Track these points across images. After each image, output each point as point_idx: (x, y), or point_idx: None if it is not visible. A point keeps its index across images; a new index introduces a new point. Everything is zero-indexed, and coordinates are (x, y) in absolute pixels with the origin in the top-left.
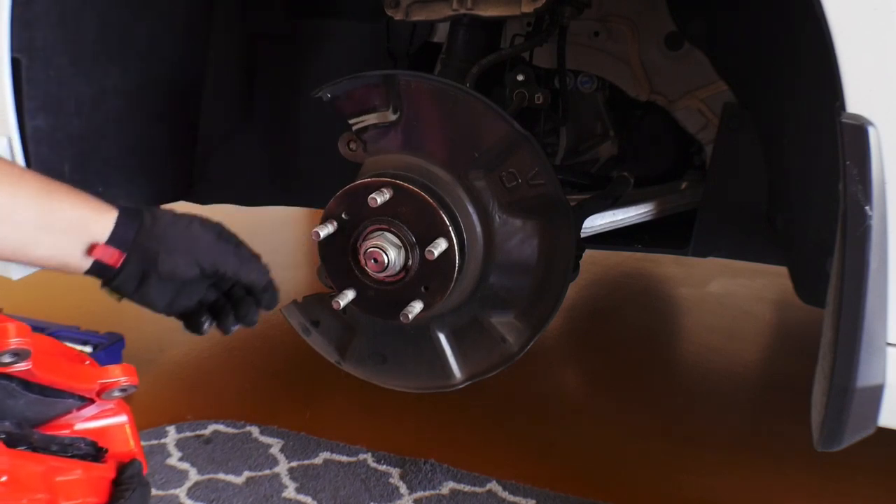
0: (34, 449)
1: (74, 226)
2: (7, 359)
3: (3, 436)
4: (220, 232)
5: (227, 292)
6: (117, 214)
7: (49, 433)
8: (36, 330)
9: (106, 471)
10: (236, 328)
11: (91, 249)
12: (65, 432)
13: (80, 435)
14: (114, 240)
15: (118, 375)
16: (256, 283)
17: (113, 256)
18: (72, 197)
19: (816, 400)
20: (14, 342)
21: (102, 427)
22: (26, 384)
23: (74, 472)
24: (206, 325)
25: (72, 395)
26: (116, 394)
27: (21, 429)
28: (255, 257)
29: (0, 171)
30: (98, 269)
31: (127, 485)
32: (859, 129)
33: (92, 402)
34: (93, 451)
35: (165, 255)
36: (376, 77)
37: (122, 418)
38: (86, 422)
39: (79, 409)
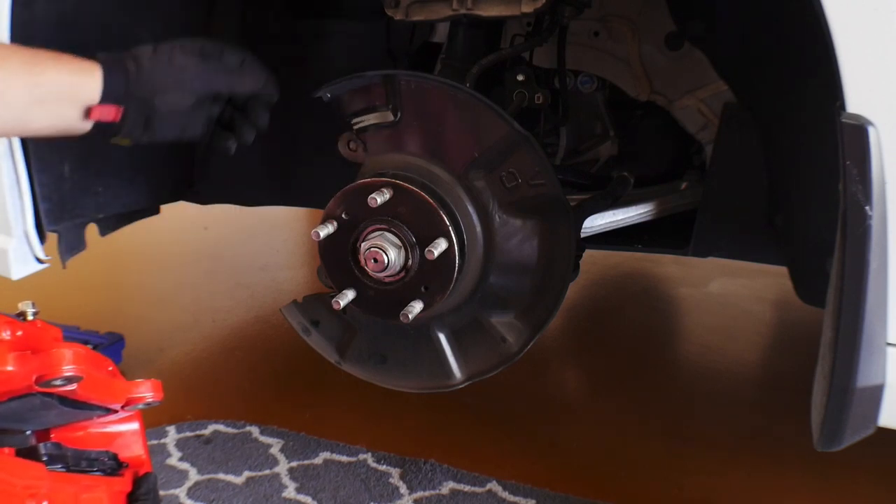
0: (68, 468)
1: (65, 94)
2: (59, 383)
3: (45, 457)
4: (203, 51)
5: (232, 102)
6: (102, 72)
7: (79, 448)
8: None
9: (123, 485)
10: (253, 136)
11: (89, 113)
12: (79, 434)
13: (94, 437)
14: (107, 98)
15: (146, 392)
16: (252, 89)
17: (111, 113)
18: (55, 65)
19: (816, 400)
20: (68, 369)
21: (116, 432)
22: (63, 399)
23: (98, 490)
24: (230, 143)
25: (99, 407)
26: (140, 406)
27: (60, 448)
28: (244, 62)
29: None
30: (101, 128)
31: (142, 501)
32: (859, 129)
33: (115, 412)
34: (115, 464)
35: (160, 96)
36: (376, 77)
37: (135, 425)
38: (101, 426)
39: (100, 416)
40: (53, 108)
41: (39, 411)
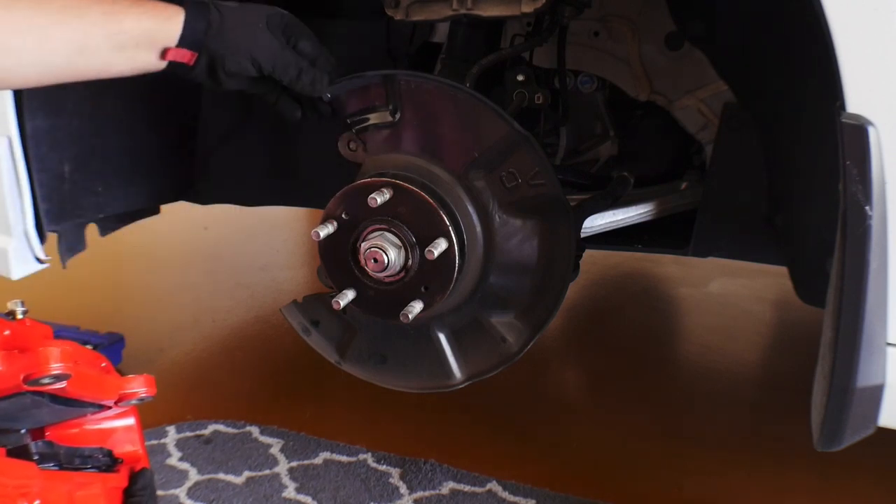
0: (61, 466)
1: (144, 40)
2: (47, 381)
3: (36, 456)
4: (286, 38)
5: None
6: (184, 17)
7: (72, 446)
8: None
9: (119, 481)
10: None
11: (165, 54)
12: (74, 431)
13: (89, 434)
14: (184, 41)
15: (138, 387)
16: (308, 93)
17: (185, 56)
18: (136, 11)
19: (816, 400)
20: (55, 367)
21: (111, 429)
22: (54, 397)
23: (93, 486)
24: (296, 113)
25: (91, 404)
26: (134, 402)
27: (51, 447)
28: (314, 68)
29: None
30: (175, 67)
31: (138, 496)
32: (859, 129)
33: (108, 408)
34: (109, 461)
35: (230, 57)
36: (376, 77)
37: (130, 420)
38: (96, 423)
39: (93, 413)
40: (132, 53)
41: (31, 410)
